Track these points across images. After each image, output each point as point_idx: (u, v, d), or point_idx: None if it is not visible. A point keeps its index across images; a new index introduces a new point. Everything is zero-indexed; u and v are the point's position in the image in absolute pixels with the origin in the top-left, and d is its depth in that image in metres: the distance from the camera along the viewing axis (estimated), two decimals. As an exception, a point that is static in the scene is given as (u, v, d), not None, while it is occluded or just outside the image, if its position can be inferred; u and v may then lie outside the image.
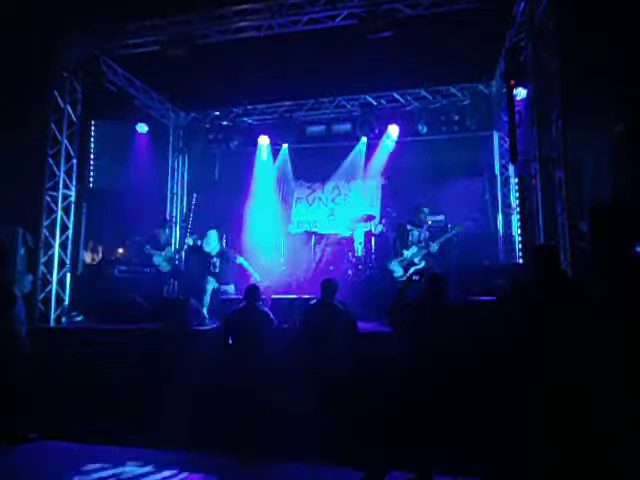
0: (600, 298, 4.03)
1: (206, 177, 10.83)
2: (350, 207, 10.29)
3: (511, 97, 6.35)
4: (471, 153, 9.43)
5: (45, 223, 7.41)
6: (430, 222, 7.44)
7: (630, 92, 6.01)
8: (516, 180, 8.10)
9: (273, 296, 6.63)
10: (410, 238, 7.09)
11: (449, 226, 7.75)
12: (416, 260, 6.99)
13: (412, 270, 6.98)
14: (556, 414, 3.55)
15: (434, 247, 6.96)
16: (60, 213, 7.53)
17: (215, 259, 7.52)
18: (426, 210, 7.20)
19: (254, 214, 10.41)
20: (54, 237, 7.43)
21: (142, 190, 9.79)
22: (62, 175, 7.57)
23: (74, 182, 7.75)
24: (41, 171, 7.46)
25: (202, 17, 7.09)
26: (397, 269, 6.97)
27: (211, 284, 7.31)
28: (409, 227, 7.12)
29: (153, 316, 6.64)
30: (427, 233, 7.15)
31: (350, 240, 8.81)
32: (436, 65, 8.14)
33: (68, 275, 7.59)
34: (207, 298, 7.19)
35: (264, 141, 10.48)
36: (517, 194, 7.28)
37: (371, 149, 10.14)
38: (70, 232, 7.66)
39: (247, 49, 7.50)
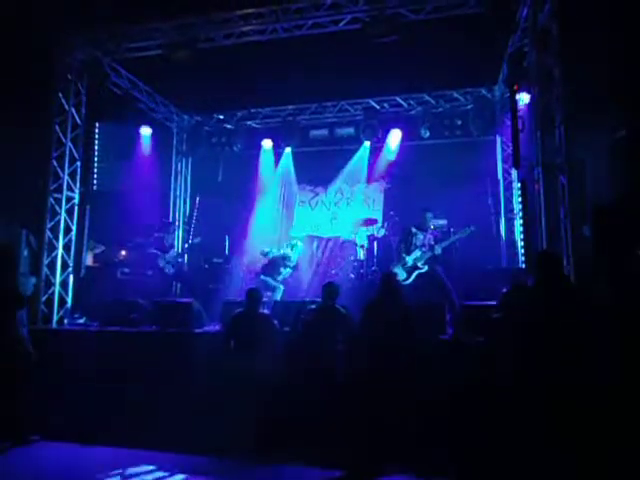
0: (603, 302, 4.02)
1: (209, 180, 10.85)
2: (352, 211, 10.29)
3: (514, 102, 6.35)
4: (474, 158, 9.43)
5: (49, 225, 7.44)
6: (432, 227, 7.46)
7: (632, 97, 6.01)
8: (519, 185, 8.09)
9: (275, 299, 6.64)
10: (414, 241, 7.11)
11: (452, 230, 7.77)
12: (419, 264, 7.01)
13: (415, 274, 7.01)
14: (558, 417, 3.54)
15: (438, 250, 6.99)
16: (64, 215, 7.57)
17: None
18: (430, 215, 7.25)
19: (257, 217, 10.43)
20: (57, 239, 7.47)
21: (145, 193, 9.83)
22: (66, 177, 7.61)
23: (78, 184, 7.80)
24: (45, 173, 7.51)
25: (206, 21, 7.12)
26: (401, 273, 6.97)
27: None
28: (414, 230, 7.15)
29: (156, 318, 6.65)
30: (431, 237, 7.19)
31: (352, 244, 8.83)
32: (439, 70, 8.15)
33: (71, 277, 7.62)
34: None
35: (267, 144, 10.51)
36: (520, 199, 7.27)
37: (374, 153, 10.15)
38: (73, 234, 7.69)
39: (251, 53, 7.53)
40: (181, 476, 4.59)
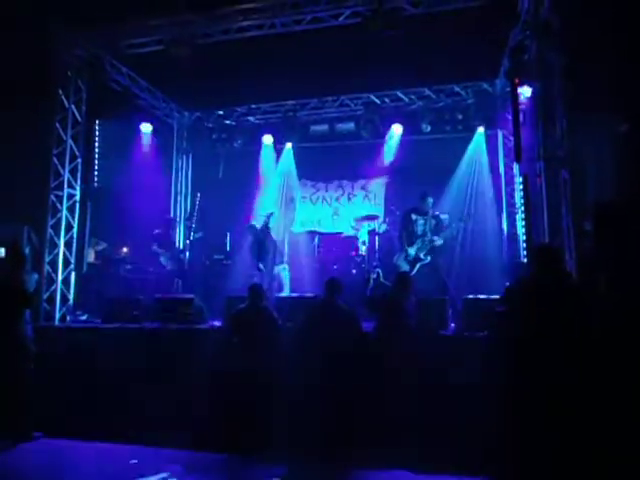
0: (603, 297, 4.01)
1: (210, 176, 10.82)
2: (354, 206, 10.28)
3: (515, 96, 6.33)
4: (474, 152, 9.39)
5: (50, 222, 7.44)
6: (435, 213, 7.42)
7: (635, 90, 5.98)
8: (520, 179, 8.08)
9: (277, 295, 6.65)
10: (415, 229, 7.10)
11: (453, 225, 7.75)
12: (421, 255, 7.00)
13: (418, 266, 7.01)
14: (555, 415, 3.54)
15: (438, 241, 6.98)
16: (65, 212, 7.56)
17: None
18: (430, 200, 7.23)
19: (258, 213, 10.40)
20: (59, 236, 7.46)
21: (146, 189, 9.81)
22: (67, 174, 7.60)
23: (79, 181, 7.79)
24: (46, 171, 7.50)
25: (205, 17, 7.07)
26: (403, 265, 6.98)
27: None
28: (414, 217, 7.13)
29: (157, 315, 6.65)
30: (433, 221, 7.15)
31: (354, 239, 8.82)
32: (440, 64, 8.10)
33: (73, 274, 7.63)
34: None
35: (268, 140, 10.48)
36: (521, 193, 7.26)
37: (375, 148, 10.11)
38: (75, 231, 7.69)
39: (250, 48, 7.49)
40: (183, 472, 4.60)
